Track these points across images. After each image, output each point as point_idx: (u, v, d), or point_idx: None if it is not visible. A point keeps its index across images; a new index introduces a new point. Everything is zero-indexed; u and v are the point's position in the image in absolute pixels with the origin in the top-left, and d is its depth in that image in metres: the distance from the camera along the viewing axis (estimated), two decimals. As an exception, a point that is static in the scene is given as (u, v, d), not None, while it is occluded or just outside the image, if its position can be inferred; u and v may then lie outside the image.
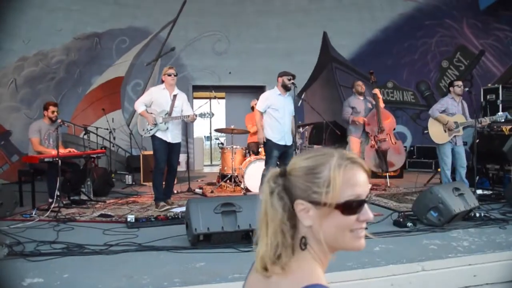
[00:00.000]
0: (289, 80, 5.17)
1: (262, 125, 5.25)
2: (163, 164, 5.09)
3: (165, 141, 5.06)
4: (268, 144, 5.22)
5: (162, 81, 5.24)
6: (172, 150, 5.13)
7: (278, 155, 5.19)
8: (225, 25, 9.58)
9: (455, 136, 5.66)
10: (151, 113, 5.09)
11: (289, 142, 5.23)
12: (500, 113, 5.78)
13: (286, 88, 5.21)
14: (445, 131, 5.67)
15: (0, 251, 3.12)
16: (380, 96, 6.38)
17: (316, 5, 9.47)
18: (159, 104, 5.11)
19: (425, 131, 5.95)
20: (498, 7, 8.59)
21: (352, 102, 6.52)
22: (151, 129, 5.08)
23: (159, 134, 5.06)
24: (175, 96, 5.17)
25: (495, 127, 6.65)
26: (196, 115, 5.15)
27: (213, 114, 5.41)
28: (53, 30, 8.37)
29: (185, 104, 5.26)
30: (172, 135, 5.11)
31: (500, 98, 7.29)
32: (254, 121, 7.16)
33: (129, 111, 9.45)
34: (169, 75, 5.11)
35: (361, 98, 6.37)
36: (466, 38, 9.12)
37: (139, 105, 5.12)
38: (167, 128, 5.07)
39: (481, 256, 3.15)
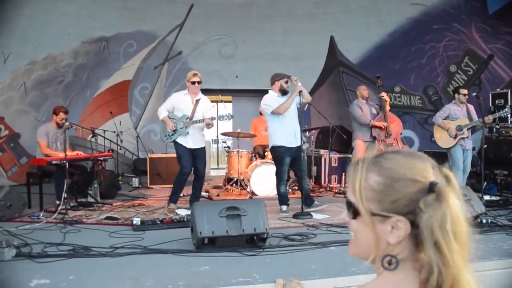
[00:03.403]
0: (286, 83, 4.90)
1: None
2: (187, 170, 4.97)
3: (187, 147, 4.96)
4: (279, 151, 4.87)
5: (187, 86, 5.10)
6: (196, 155, 5.02)
7: (289, 161, 4.89)
8: (232, 29, 9.62)
9: (463, 139, 5.62)
10: (173, 119, 5.05)
11: (299, 142, 4.86)
12: (506, 109, 5.74)
13: (284, 92, 4.90)
14: (450, 135, 5.66)
15: (8, 252, 3.16)
16: (387, 99, 6.31)
17: (322, 9, 9.45)
18: (181, 109, 5.06)
19: (433, 139, 5.92)
20: (507, 11, 8.49)
21: (358, 105, 6.45)
22: (171, 135, 5.03)
23: (180, 140, 5.00)
24: (197, 101, 5.08)
25: (503, 132, 6.59)
26: (210, 119, 4.89)
27: (232, 116, 5.22)
28: (62, 35, 8.48)
29: (208, 109, 5.10)
30: (193, 140, 5.00)
31: (509, 103, 7.20)
32: (260, 126, 7.20)
33: (136, 114, 9.54)
34: (193, 83, 5.01)
35: (364, 102, 6.33)
36: (474, 42, 9.03)
37: (161, 111, 5.10)
38: (188, 133, 4.98)
39: (487, 263, 3.12)
